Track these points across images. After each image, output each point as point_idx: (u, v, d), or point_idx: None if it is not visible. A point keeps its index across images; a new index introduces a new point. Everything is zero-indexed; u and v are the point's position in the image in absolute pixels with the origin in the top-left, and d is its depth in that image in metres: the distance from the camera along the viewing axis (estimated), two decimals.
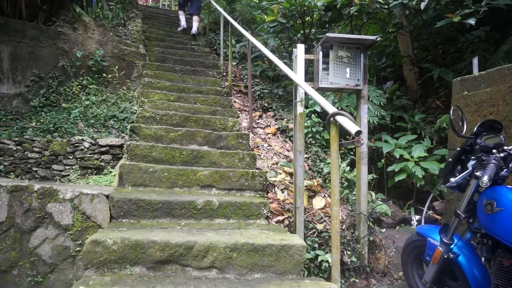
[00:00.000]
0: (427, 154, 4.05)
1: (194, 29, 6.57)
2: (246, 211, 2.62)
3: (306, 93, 2.77)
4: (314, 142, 4.06)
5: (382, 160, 4.32)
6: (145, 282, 1.86)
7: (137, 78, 4.91)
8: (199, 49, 6.28)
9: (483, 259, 1.94)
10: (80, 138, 3.43)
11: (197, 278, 2.00)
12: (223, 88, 4.98)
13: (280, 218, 2.98)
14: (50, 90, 4.19)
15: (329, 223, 2.99)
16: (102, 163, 3.41)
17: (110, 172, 3.36)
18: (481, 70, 3.00)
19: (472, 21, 3.62)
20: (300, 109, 2.90)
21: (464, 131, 2.14)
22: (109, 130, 3.91)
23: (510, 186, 1.84)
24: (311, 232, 2.93)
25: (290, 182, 3.40)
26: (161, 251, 1.98)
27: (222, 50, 5.78)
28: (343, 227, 3.01)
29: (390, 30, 5.75)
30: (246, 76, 5.74)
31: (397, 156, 4.04)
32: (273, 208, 3.00)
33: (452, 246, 2.03)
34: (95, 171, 3.38)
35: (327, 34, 2.90)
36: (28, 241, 2.42)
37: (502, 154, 1.89)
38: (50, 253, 2.40)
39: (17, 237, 2.42)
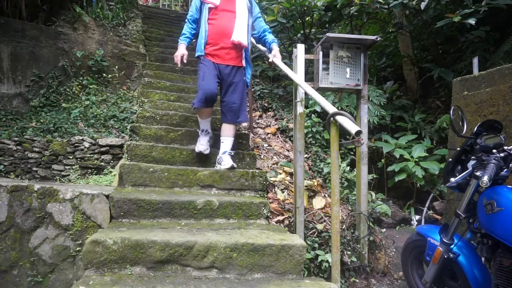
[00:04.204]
0: (427, 154, 4.05)
1: None
2: (246, 211, 2.62)
3: (306, 93, 2.77)
4: (314, 142, 4.06)
5: (382, 160, 4.32)
6: (145, 282, 1.86)
7: (137, 78, 4.91)
8: None
9: (483, 259, 1.94)
10: (80, 138, 3.43)
11: (197, 278, 2.00)
12: None
13: (280, 218, 2.98)
14: (50, 90, 4.19)
15: (329, 223, 2.99)
16: (102, 163, 3.41)
17: (110, 172, 3.36)
18: (481, 70, 3.00)
19: (472, 21, 3.62)
20: (300, 109, 2.90)
21: (464, 131, 2.14)
22: (109, 130, 3.91)
23: (510, 186, 1.84)
24: (311, 232, 2.93)
25: (290, 182, 3.40)
26: (161, 251, 1.98)
27: None
28: (343, 227, 3.01)
29: (390, 30, 5.76)
30: None
31: (397, 156, 4.04)
32: (273, 208, 3.00)
33: (452, 246, 2.03)
34: (95, 171, 3.38)
35: (327, 34, 2.90)
36: (28, 241, 2.42)
37: (502, 154, 1.89)
38: (50, 253, 2.40)
39: (17, 237, 2.42)
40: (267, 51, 3.38)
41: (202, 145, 3.12)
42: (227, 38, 3.01)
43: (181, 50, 3.07)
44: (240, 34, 3.02)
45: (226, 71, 3.05)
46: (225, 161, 3.02)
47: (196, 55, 3.09)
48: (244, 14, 3.09)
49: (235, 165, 3.00)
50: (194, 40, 3.21)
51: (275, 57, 3.12)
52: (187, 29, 3.15)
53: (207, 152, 3.09)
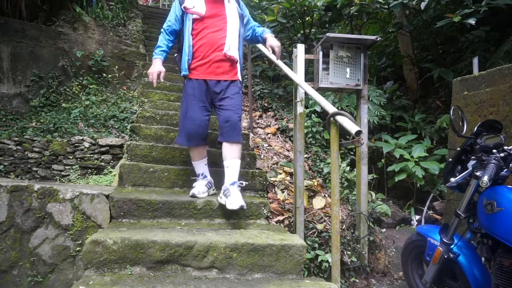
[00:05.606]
0: (427, 154, 4.05)
1: None
2: (246, 211, 2.62)
3: (306, 93, 2.77)
4: (314, 142, 4.06)
5: (382, 160, 4.32)
6: (145, 282, 1.86)
7: (137, 78, 4.91)
8: None
9: (483, 259, 1.94)
10: (80, 138, 3.43)
11: (197, 278, 2.00)
12: None
13: (280, 218, 2.98)
14: (50, 90, 4.19)
15: (329, 223, 2.99)
16: (102, 163, 3.41)
17: (110, 172, 3.36)
18: (481, 70, 3.00)
19: (472, 21, 3.62)
20: (300, 109, 2.90)
21: (464, 131, 2.14)
22: (109, 130, 3.91)
23: (510, 186, 1.84)
24: (311, 232, 2.93)
25: (290, 182, 3.40)
26: (161, 251, 1.98)
27: None
28: (343, 227, 3.01)
29: (390, 30, 5.75)
30: (246, 76, 5.75)
31: (397, 156, 4.04)
32: (273, 208, 3.00)
33: (452, 246, 2.03)
34: (95, 171, 3.38)
35: (327, 34, 2.90)
36: (28, 241, 2.42)
37: (502, 154, 1.89)
38: (50, 253, 2.40)
39: (17, 237, 2.42)
40: (269, 53, 2.86)
41: (197, 188, 2.62)
42: (218, 50, 2.53)
43: (157, 67, 2.63)
44: (233, 46, 2.55)
45: (217, 88, 2.56)
46: (232, 195, 2.36)
47: (181, 74, 2.70)
48: (235, 21, 2.61)
49: (245, 206, 2.34)
50: (176, 55, 2.81)
51: (275, 51, 2.71)
52: (163, 40, 2.66)
53: (203, 195, 2.59)
